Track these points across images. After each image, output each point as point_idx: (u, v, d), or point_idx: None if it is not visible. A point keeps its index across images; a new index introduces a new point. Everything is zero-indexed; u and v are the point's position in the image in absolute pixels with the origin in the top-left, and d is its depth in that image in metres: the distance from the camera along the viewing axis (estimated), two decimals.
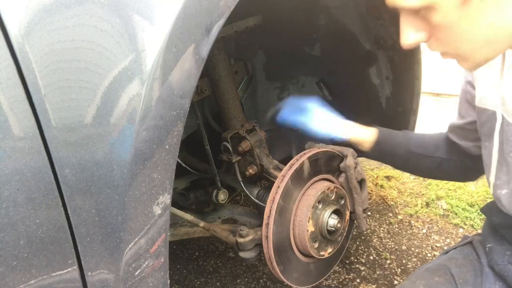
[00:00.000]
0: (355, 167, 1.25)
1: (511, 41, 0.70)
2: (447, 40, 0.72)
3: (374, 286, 1.78)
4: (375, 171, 2.66)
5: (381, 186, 2.49)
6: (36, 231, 0.60)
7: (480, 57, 0.74)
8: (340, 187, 1.23)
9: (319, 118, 1.25)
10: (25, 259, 0.60)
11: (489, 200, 1.08)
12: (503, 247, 0.98)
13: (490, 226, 1.05)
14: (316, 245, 1.17)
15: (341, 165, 1.25)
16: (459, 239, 1.23)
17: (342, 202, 1.24)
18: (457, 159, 1.21)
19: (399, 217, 2.24)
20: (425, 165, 1.26)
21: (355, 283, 1.81)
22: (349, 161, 1.23)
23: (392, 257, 1.95)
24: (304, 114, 1.25)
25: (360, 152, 1.30)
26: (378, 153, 1.29)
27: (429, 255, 1.96)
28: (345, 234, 1.28)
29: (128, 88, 0.64)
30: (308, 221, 1.13)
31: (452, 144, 1.19)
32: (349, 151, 1.24)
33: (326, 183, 1.21)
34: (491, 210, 1.04)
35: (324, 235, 1.18)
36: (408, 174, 2.61)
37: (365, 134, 1.28)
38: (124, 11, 0.64)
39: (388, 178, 2.58)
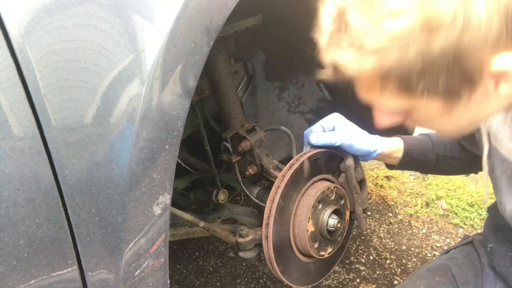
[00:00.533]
0: (355, 167, 1.25)
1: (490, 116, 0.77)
2: (426, 125, 0.76)
3: (374, 286, 1.78)
4: (375, 171, 2.66)
5: (381, 186, 2.49)
6: (36, 231, 0.60)
7: (459, 132, 0.77)
8: (340, 187, 1.23)
9: (353, 137, 1.17)
10: (25, 259, 0.60)
11: (494, 200, 1.07)
12: (505, 248, 0.98)
13: (491, 226, 1.05)
14: (316, 245, 1.17)
15: (341, 165, 1.25)
16: (459, 239, 1.23)
17: (342, 202, 1.23)
18: (470, 156, 1.20)
19: (399, 217, 2.24)
20: (454, 166, 1.24)
21: (355, 283, 1.81)
22: (349, 161, 1.23)
23: (392, 257, 1.95)
24: (334, 135, 1.18)
25: (389, 166, 1.27)
26: (409, 163, 1.24)
27: (429, 255, 1.96)
28: (345, 234, 1.28)
29: (128, 88, 0.64)
30: (308, 221, 1.13)
31: (462, 145, 1.19)
32: None
33: (326, 183, 1.20)
34: (497, 210, 1.04)
35: (324, 235, 1.18)
36: (407, 174, 2.61)
37: (394, 145, 1.23)
38: (124, 11, 0.64)
39: (388, 178, 2.59)
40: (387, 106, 0.68)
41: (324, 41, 0.68)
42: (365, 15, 0.59)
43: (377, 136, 1.20)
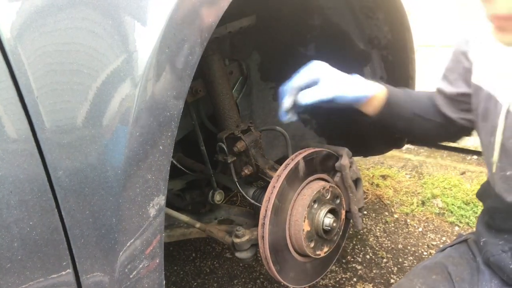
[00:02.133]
0: (350, 167, 1.25)
1: None
2: None
3: (370, 285, 1.79)
4: (371, 170, 2.67)
5: (377, 185, 2.50)
6: (30, 233, 0.59)
7: None
8: (336, 187, 1.23)
9: (344, 85, 1.08)
10: (19, 261, 0.59)
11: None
12: (497, 239, 0.99)
13: (483, 222, 1.06)
14: (312, 244, 1.18)
15: (336, 164, 1.26)
16: (455, 237, 1.24)
17: (338, 201, 1.24)
18: (442, 123, 1.15)
19: (395, 216, 2.24)
20: (425, 128, 1.18)
21: (352, 282, 1.81)
22: (344, 160, 1.23)
23: (389, 255, 1.96)
24: (325, 89, 1.08)
25: (364, 116, 1.18)
26: (387, 114, 1.15)
27: (425, 253, 1.96)
28: (341, 233, 1.28)
29: (121, 89, 0.64)
30: (304, 221, 1.13)
31: (438, 109, 1.14)
32: (344, 151, 1.25)
33: (322, 183, 1.21)
34: (485, 192, 1.04)
35: (320, 235, 1.18)
36: (404, 173, 2.62)
37: (378, 91, 1.13)
38: (116, 13, 0.64)
39: (384, 177, 2.59)
40: None
41: None
42: None
43: (362, 79, 1.12)
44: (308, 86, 1.08)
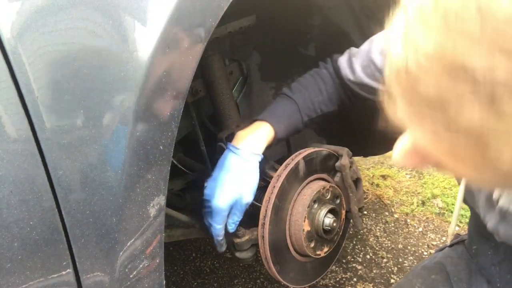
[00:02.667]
0: (350, 166, 1.25)
1: None
2: (455, 174, 0.57)
3: (371, 285, 1.79)
4: (371, 170, 2.67)
5: (377, 185, 2.50)
6: (30, 233, 0.59)
7: (485, 186, 0.62)
8: (336, 187, 1.23)
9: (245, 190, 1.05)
10: (19, 261, 0.60)
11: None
12: (486, 246, 0.98)
13: (472, 224, 1.05)
14: (312, 244, 1.17)
15: (336, 164, 1.26)
16: (453, 237, 1.24)
17: (338, 201, 1.24)
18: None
19: (395, 216, 2.24)
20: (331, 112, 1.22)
21: (352, 282, 1.81)
22: (344, 160, 1.23)
23: (389, 255, 1.96)
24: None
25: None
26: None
27: (425, 253, 1.96)
28: (341, 233, 1.28)
29: (121, 89, 0.64)
30: (304, 221, 1.13)
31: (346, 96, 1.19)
32: (344, 151, 1.25)
33: (322, 183, 1.21)
34: (470, 200, 1.03)
35: (320, 235, 1.18)
36: (403, 173, 2.62)
37: (267, 142, 1.10)
38: (116, 12, 0.64)
39: (384, 177, 2.59)
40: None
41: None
42: None
43: (253, 157, 1.06)
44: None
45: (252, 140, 1.06)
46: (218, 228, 1.07)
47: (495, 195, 0.77)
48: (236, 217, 1.09)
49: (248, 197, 1.05)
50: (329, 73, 1.21)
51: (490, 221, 0.83)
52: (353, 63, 1.13)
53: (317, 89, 1.19)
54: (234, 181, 1.03)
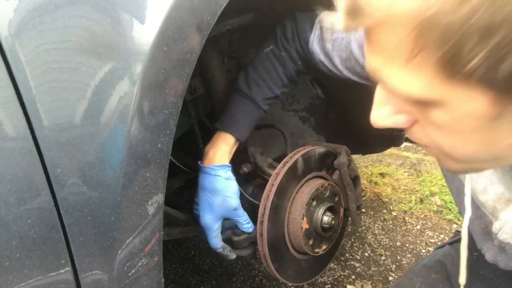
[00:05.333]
0: (349, 164, 1.25)
1: None
2: (440, 140, 0.49)
3: (369, 283, 1.79)
4: (369, 168, 2.67)
5: (375, 183, 2.51)
6: (28, 231, 0.59)
7: (474, 167, 0.56)
8: (334, 184, 1.23)
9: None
10: (18, 259, 0.59)
11: None
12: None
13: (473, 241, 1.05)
14: (311, 242, 1.18)
15: (335, 162, 1.26)
16: (453, 235, 1.24)
17: (336, 199, 1.24)
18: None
19: (393, 213, 2.25)
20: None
21: (350, 280, 1.82)
22: (343, 158, 1.24)
23: (387, 253, 1.96)
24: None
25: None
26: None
27: (423, 251, 1.97)
28: (339, 231, 1.28)
29: (119, 87, 0.64)
30: (302, 219, 1.13)
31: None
32: (342, 149, 1.25)
33: (320, 181, 1.21)
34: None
35: (319, 232, 1.18)
36: (402, 171, 2.63)
37: (232, 149, 1.15)
38: (114, 11, 0.64)
39: (382, 175, 2.60)
40: (406, 87, 0.43)
41: None
42: None
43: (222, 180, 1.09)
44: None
45: (218, 157, 1.11)
46: (214, 241, 1.13)
47: (494, 228, 0.74)
48: (241, 219, 1.14)
49: (232, 202, 1.09)
50: (290, 56, 1.13)
51: (488, 253, 0.81)
52: (329, 53, 1.06)
53: (276, 75, 1.15)
54: (211, 198, 1.09)
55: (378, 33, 0.43)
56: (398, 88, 0.45)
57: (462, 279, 0.81)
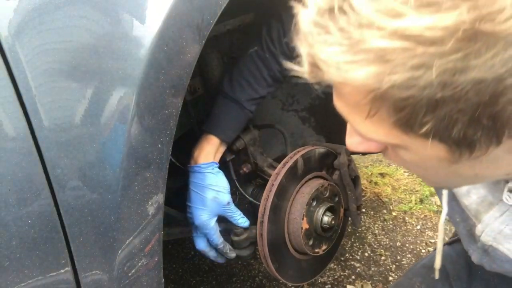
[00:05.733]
0: (349, 164, 1.25)
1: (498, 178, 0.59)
2: (411, 168, 0.56)
3: (369, 283, 1.79)
4: (369, 168, 2.67)
5: (375, 183, 2.50)
6: (28, 231, 0.59)
7: (449, 186, 0.65)
8: (334, 185, 1.23)
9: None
10: (18, 259, 0.59)
11: None
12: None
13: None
14: (311, 242, 1.18)
15: (335, 162, 1.26)
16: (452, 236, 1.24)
17: (336, 199, 1.24)
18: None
19: (394, 213, 2.25)
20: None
21: (350, 280, 1.82)
22: (343, 158, 1.24)
23: (387, 253, 1.96)
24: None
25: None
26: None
27: (423, 251, 1.97)
28: (339, 231, 1.29)
29: (119, 87, 0.64)
30: (303, 219, 1.13)
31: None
32: (342, 149, 1.25)
33: (320, 181, 1.21)
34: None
35: (319, 233, 1.18)
36: (402, 171, 2.62)
37: (219, 152, 1.17)
38: (114, 11, 0.64)
39: (382, 175, 2.60)
40: (369, 134, 0.48)
41: (307, 21, 0.43)
42: None
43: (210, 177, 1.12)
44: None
45: (203, 156, 1.13)
46: (214, 238, 1.13)
47: (477, 230, 0.76)
48: (235, 215, 1.14)
49: (224, 197, 1.10)
50: (274, 57, 1.13)
51: (474, 255, 0.82)
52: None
53: (260, 76, 1.14)
54: (203, 195, 1.10)
55: (339, 87, 0.47)
56: (363, 134, 0.49)
57: (438, 263, 0.87)
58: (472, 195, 0.75)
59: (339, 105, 0.50)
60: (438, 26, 0.35)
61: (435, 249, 1.19)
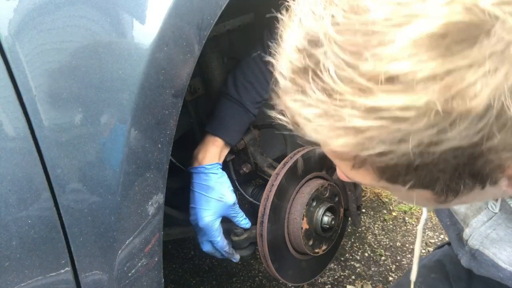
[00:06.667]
0: None
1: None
2: (401, 199, 0.63)
3: (369, 283, 1.79)
4: None
5: None
6: (28, 231, 0.59)
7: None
8: (334, 185, 1.23)
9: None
10: (18, 259, 0.59)
11: None
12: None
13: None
14: (311, 242, 1.18)
15: None
16: None
17: (336, 199, 1.24)
18: None
19: (393, 213, 2.25)
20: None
21: (350, 280, 1.82)
22: None
23: (387, 253, 1.96)
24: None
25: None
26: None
27: (423, 251, 1.97)
28: (339, 231, 1.28)
29: (119, 87, 0.64)
30: (302, 219, 1.13)
31: None
32: None
33: (320, 181, 1.21)
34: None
35: (319, 233, 1.18)
36: None
37: (223, 154, 1.17)
38: (114, 10, 0.64)
39: None
40: (356, 179, 0.49)
41: (285, 75, 0.43)
42: (352, 71, 0.36)
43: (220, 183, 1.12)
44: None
45: (208, 158, 1.12)
46: (219, 241, 1.12)
47: (465, 234, 0.77)
48: (238, 216, 1.14)
49: (229, 199, 1.10)
50: None
51: (463, 259, 0.83)
52: None
53: (264, 80, 1.16)
54: (209, 196, 1.09)
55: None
56: (350, 178, 0.51)
57: (413, 275, 0.87)
58: None
59: (325, 150, 0.50)
60: (410, 106, 0.35)
61: (435, 249, 1.19)
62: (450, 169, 0.40)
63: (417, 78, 0.34)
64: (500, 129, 0.36)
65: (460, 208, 0.77)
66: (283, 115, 0.46)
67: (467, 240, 0.77)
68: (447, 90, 0.34)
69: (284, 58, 0.43)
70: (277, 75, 0.45)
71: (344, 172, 0.51)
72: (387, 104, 0.36)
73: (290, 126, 0.47)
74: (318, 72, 0.39)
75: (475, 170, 0.41)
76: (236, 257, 1.20)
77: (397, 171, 0.42)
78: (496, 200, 0.69)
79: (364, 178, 0.47)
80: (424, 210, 0.82)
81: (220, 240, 1.12)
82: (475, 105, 0.35)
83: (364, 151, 0.39)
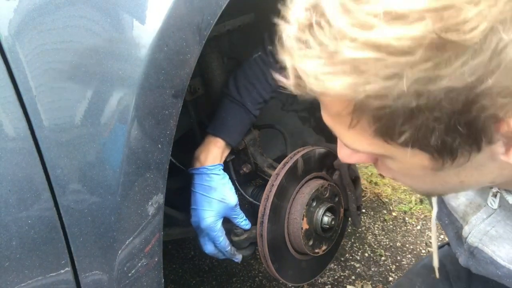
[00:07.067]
0: (349, 165, 1.25)
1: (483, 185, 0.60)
2: (400, 178, 0.59)
3: (369, 283, 1.79)
4: (369, 168, 2.67)
5: (375, 183, 2.50)
6: (28, 231, 0.59)
7: (438, 193, 0.69)
8: (334, 185, 1.23)
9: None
10: (18, 260, 0.59)
11: None
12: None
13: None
14: (311, 242, 1.18)
15: (335, 162, 1.26)
16: None
17: (336, 199, 1.24)
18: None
19: (394, 214, 2.25)
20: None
21: (350, 280, 1.82)
22: None
23: (387, 253, 1.96)
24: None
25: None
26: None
27: (423, 251, 1.97)
28: (339, 232, 1.28)
29: (119, 87, 0.64)
30: (302, 219, 1.13)
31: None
32: None
33: (320, 181, 1.21)
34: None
35: (319, 233, 1.18)
36: None
37: (224, 155, 1.17)
38: (114, 11, 0.64)
39: (382, 175, 2.60)
40: (354, 144, 0.51)
41: (290, 37, 0.46)
42: (353, 8, 0.39)
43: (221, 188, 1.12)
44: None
45: (210, 159, 1.12)
46: (221, 242, 1.12)
47: (464, 232, 0.77)
48: (239, 217, 1.14)
49: (231, 200, 1.10)
50: (277, 62, 1.15)
51: (461, 257, 0.83)
52: None
53: (265, 81, 1.16)
54: (210, 197, 1.09)
55: (322, 99, 0.50)
56: (348, 144, 0.53)
57: (435, 262, 0.89)
58: (460, 197, 0.77)
59: (325, 117, 0.54)
60: (406, 36, 0.36)
61: None
62: (445, 117, 0.40)
63: (414, 10, 0.36)
64: (495, 69, 0.37)
65: (459, 205, 0.77)
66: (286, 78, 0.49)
67: (466, 238, 0.77)
68: (443, 22, 0.36)
69: (292, 19, 0.46)
70: (283, 38, 0.47)
71: (343, 139, 0.53)
72: (384, 35, 0.37)
73: (292, 87, 0.49)
74: (322, 22, 0.41)
75: (469, 121, 0.41)
76: (238, 257, 1.20)
77: (393, 120, 0.42)
78: (495, 196, 0.70)
79: (360, 140, 0.49)
80: (434, 204, 0.82)
81: (223, 240, 1.12)
82: (470, 38, 0.35)
83: (361, 92, 0.40)
